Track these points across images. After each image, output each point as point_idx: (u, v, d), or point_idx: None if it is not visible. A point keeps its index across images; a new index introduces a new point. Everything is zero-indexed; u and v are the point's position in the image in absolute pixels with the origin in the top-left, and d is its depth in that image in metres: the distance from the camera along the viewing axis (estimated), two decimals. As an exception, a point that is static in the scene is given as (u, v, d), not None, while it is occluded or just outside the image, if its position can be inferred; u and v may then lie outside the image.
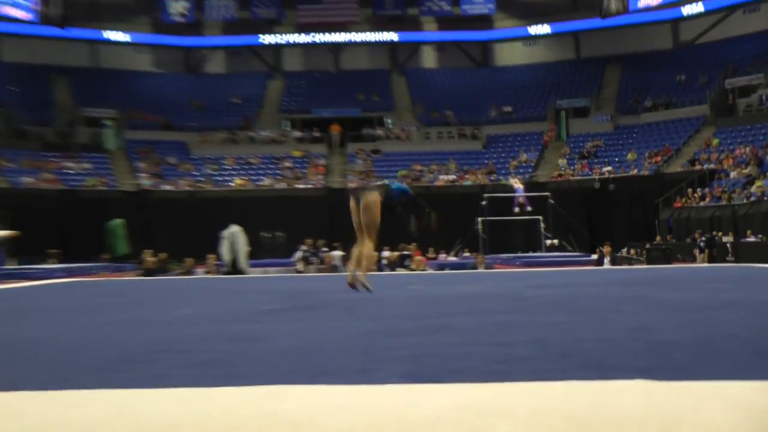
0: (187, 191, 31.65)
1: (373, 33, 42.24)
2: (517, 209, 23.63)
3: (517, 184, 24.81)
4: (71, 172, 32.69)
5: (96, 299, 7.69)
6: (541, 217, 23.53)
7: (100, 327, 4.31)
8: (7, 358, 3.04)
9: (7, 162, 31.87)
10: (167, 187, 32.01)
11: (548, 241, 23.44)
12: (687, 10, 39.26)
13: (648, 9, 39.57)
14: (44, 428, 1.83)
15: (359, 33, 42.14)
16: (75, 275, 18.27)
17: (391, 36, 42.29)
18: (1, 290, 10.32)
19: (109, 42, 40.50)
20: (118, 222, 23.85)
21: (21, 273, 17.71)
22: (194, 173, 33.68)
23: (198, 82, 41.94)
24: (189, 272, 17.43)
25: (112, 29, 40.39)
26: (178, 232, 27.55)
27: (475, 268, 17.53)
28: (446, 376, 2.43)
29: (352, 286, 6.90)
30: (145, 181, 32.39)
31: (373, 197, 6.91)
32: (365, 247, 6.96)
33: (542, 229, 23.48)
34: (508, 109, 38.79)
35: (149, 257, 17.96)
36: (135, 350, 3.13)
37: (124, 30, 40.69)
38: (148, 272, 17.02)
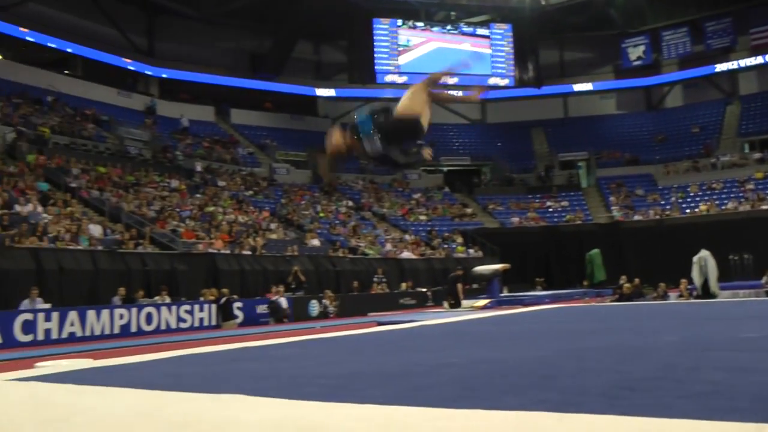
0: (656, 220, 30.70)
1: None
2: None
3: None
4: (551, 210, 34.17)
5: (586, 324, 7.84)
6: None
7: (596, 352, 4.37)
8: (521, 380, 3.21)
9: (497, 205, 34.63)
10: (637, 217, 31.51)
11: None
12: None
13: None
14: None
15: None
16: (560, 301, 18.96)
17: None
18: (503, 315, 11.16)
19: (576, 93, 41.58)
20: (595, 252, 24.16)
21: (515, 300, 18.99)
22: (661, 202, 32.61)
23: (658, 118, 40.61)
24: (663, 296, 16.86)
25: (579, 82, 41.40)
26: (648, 258, 26.88)
27: None
28: None
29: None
30: (617, 213, 32.34)
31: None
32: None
33: None
34: None
35: (625, 283, 17.81)
36: (632, 377, 3.08)
37: (588, 81, 41.41)
38: (625, 297, 16.86)
